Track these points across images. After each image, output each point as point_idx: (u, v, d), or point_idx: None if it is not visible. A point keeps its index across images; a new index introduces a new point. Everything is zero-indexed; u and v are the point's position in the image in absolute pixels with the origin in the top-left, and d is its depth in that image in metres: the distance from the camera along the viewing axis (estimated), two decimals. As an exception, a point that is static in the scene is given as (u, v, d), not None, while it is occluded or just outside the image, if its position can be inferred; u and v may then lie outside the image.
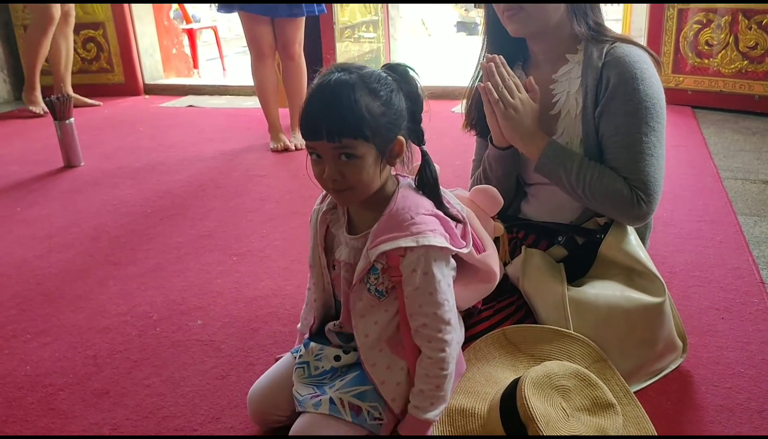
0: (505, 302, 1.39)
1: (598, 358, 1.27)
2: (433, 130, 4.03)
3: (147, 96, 4.97)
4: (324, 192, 1.15)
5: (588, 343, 1.27)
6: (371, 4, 4.24)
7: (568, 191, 1.34)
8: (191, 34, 6.00)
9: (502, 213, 1.53)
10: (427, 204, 1.06)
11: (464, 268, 1.14)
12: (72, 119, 3.18)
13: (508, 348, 1.30)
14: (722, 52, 3.69)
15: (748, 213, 2.31)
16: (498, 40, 1.43)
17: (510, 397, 1.09)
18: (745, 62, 3.63)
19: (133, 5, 4.92)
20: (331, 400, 1.09)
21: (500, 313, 1.37)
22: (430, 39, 8.69)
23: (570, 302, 1.28)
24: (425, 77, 4.41)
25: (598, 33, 1.35)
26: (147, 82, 5.05)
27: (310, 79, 3.50)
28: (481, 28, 1.52)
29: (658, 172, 1.30)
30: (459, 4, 9.14)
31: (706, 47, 3.74)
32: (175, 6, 6.02)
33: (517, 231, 1.48)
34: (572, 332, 1.28)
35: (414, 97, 1.06)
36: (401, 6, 5.78)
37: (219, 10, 3.32)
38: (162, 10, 5.31)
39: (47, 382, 1.51)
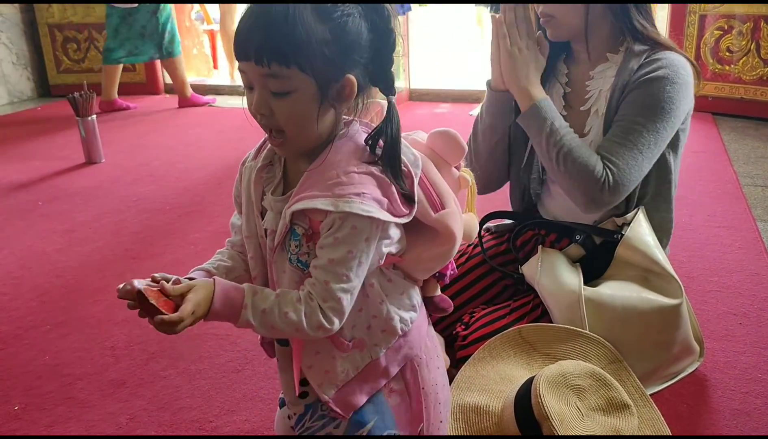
0: (521, 301, 1.39)
1: (614, 359, 1.27)
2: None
3: (167, 95, 5.01)
4: (259, 144, 0.97)
5: (603, 343, 1.27)
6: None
7: (542, 153, 1.33)
8: (212, 34, 6.05)
9: (515, 211, 1.54)
10: (363, 159, 0.86)
11: (421, 231, 0.94)
12: (94, 116, 3.22)
13: (523, 347, 1.29)
14: (743, 58, 3.66)
15: (767, 219, 2.29)
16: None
17: (525, 395, 1.09)
18: (767, 69, 3.59)
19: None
20: None
21: (516, 312, 1.37)
22: (449, 42, 8.69)
23: (586, 302, 1.28)
24: (443, 80, 4.41)
25: (643, 36, 1.33)
26: (167, 81, 5.09)
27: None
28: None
29: (636, 171, 1.28)
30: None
31: (727, 54, 3.71)
32: (196, 7, 6.07)
33: (539, 229, 1.48)
34: (588, 332, 1.28)
35: (383, 32, 0.85)
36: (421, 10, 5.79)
37: None
38: (183, 11, 5.36)
39: (66, 371, 1.53)
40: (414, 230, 0.93)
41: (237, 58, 0.83)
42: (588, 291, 1.29)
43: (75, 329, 1.72)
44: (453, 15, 9.34)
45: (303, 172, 0.88)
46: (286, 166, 0.93)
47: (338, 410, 0.93)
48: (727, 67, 3.73)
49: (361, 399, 0.94)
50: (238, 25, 0.82)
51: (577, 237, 1.39)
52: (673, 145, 1.36)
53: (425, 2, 3.70)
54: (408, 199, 0.88)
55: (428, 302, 1.06)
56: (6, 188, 2.94)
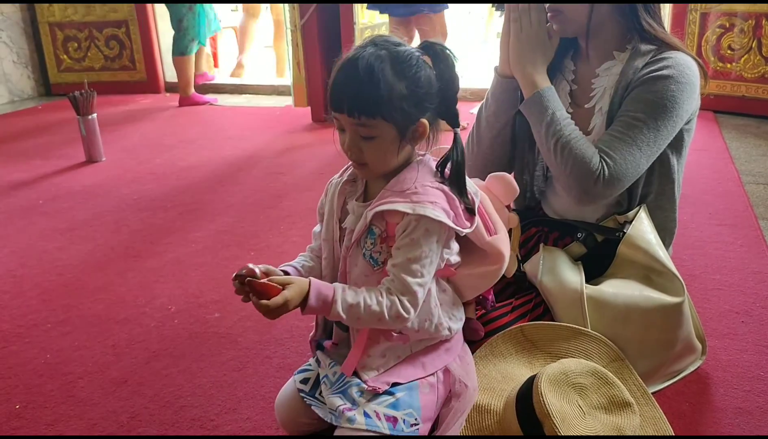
0: (523, 299, 1.39)
1: (616, 357, 1.26)
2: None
3: (168, 94, 5.01)
4: (345, 166, 1.16)
5: (605, 342, 1.27)
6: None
7: (541, 142, 1.33)
8: (213, 33, 6.04)
9: (518, 209, 1.53)
10: (435, 178, 1.06)
11: (473, 252, 1.12)
12: (94, 115, 3.22)
13: (524, 345, 1.29)
14: (745, 56, 3.65)
15: (769, 218, 2.28)
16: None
17: (526, 394, 1.09)
18: (768, 67, 3.59)
19: (156, 4, 4.96)
20: (365, 414, 1.05)
21: (518, 310, 1.36)
22: (452, 40, 8.67)
23: (588, 301, 1.28)
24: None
25: (650, 35, 1.33)
26: (168, 80, 5.09)
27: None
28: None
29: (633, 166, 1.27)
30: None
31: (729, 51, 3.70)
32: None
33: (541, 227, 1.48)
34: (590, 330, 1.27)
35: (448, 78, 1.04)
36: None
37: None
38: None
39: (67, 370, 1.53)
40: (468, 250, 1.11)
41: (332, 109, 1.01)
42: (590, 289, 1.29)
43: (76, 327, 1.72)
44: (456, 13, 9.32)
45: (381, 188, 1.06)
46: (367, 183, 1.12)
47: (375, 386, 1.07)
48: (729, 65, 3.72)
49: (398, 380, 1.09)
50: (332, 81, 1.01)
51: (579, 235, 1.38)
52: (677, 144, 1.36)
53: (450, 2, 3.71)
54: (470, 212, 1.05)
55: (465, 324, 1.20)
56: (7, 187, 2.94)
